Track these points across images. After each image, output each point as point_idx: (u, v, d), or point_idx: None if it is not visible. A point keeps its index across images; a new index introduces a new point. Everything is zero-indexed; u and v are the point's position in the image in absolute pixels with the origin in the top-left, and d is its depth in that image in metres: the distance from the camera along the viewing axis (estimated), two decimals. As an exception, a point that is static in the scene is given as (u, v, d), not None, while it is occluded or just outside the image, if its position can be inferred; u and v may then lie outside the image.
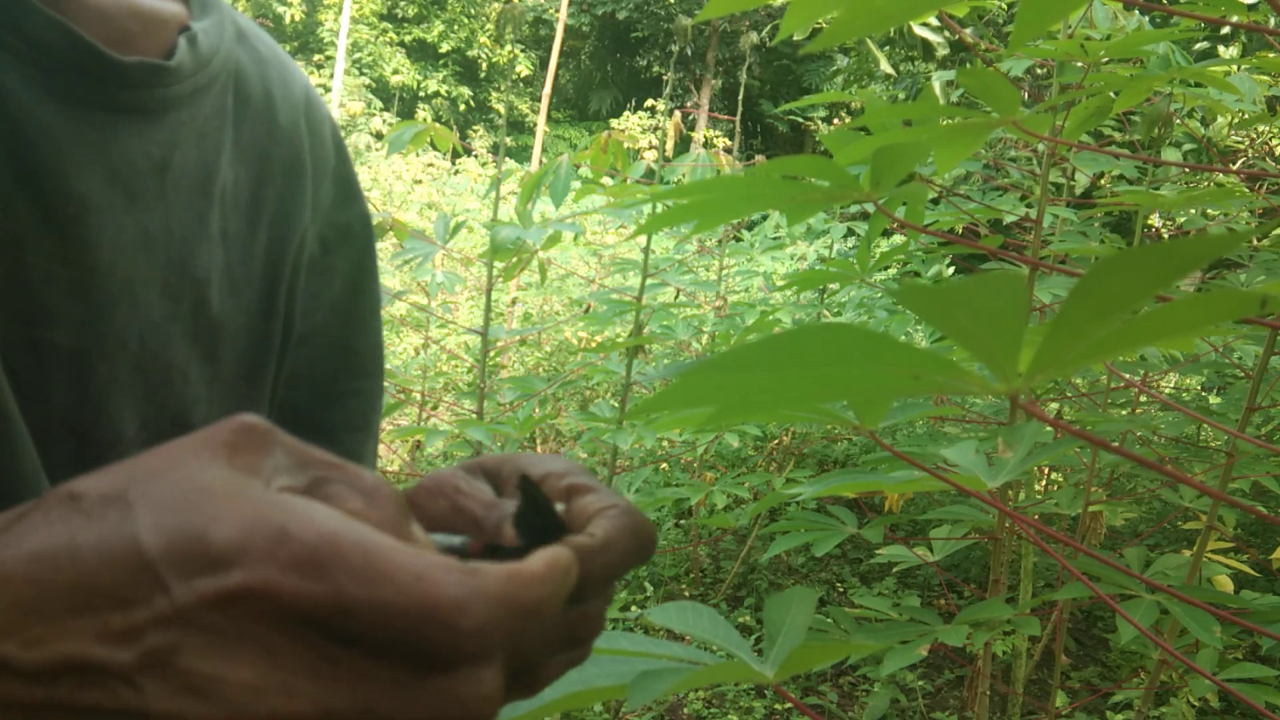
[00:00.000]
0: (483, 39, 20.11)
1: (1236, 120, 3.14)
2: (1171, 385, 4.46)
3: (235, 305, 0.54)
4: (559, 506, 0.36)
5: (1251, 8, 2.09)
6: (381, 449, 3.28)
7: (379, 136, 11.56)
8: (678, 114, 4.70)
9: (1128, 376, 1.48)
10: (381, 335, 0.67)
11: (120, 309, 0.47)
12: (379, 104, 15.45)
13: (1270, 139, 3.78)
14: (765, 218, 4.17)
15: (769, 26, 14.58)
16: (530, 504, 0.34)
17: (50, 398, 0.45)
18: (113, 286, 0.46)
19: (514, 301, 5.04)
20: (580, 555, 0.32)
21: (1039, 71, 3.64)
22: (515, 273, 2.10)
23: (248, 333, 0.55)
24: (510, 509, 0.36)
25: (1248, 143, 3.73)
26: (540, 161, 5.52)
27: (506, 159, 2.35)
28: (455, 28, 19.92)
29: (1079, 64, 1.30)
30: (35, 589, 0.26)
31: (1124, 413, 2.23)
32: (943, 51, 4.96)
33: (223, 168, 0.52)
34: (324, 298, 0.61)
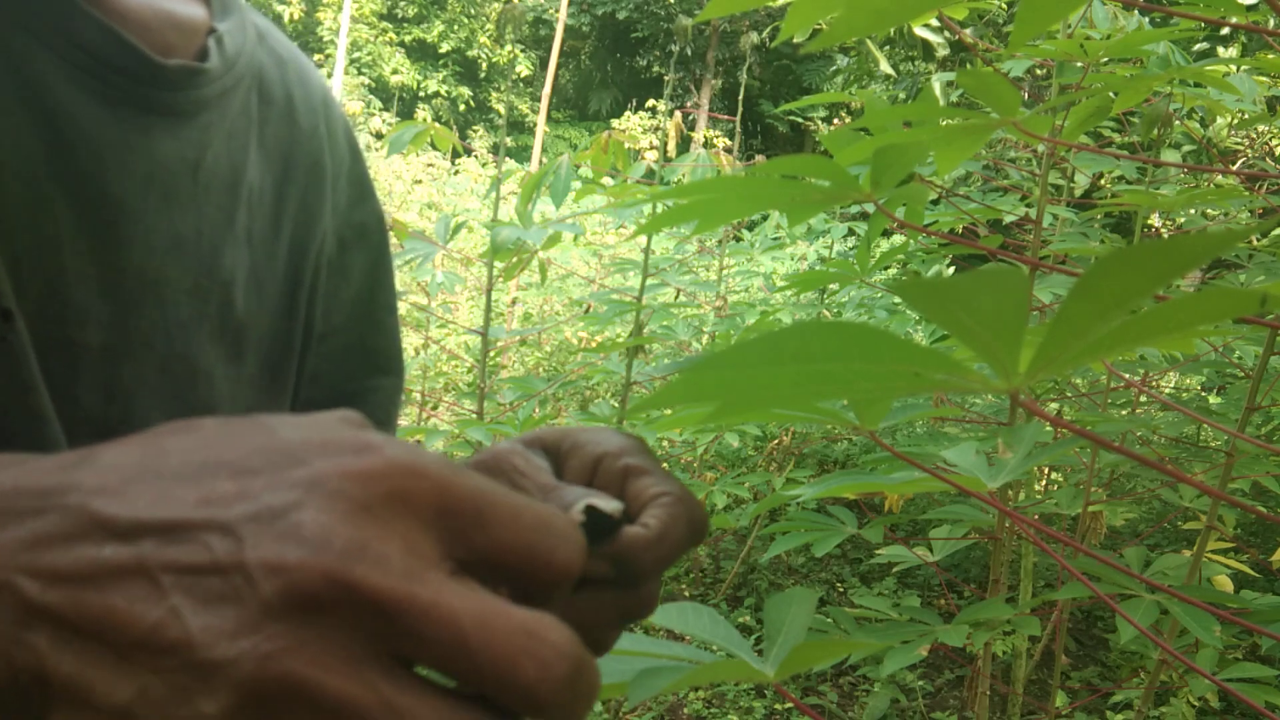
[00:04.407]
0: (483, 39, 20.11)
1: (1236, 121, 3.14)
2: (1171, 385, 4.45)
3: (260, 306, 0.54)
4: (613, 505, 0.36)
5: (1251, 8, 2.09)
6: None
7: (379, 136, 11.55)
8: (678, 114, 4.70)
9: (1128, 376, 1.48)
10: (399, 333, 0.67)
11: (147, 309, 0.47)
12: (379, 104, 15.45)
13: (1270, 139, 3.78)
14: (765, 218, 4.17)
15: (769, 27, 14.58)
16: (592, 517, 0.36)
17: (78, 398, 0.45)
18: (140, 287, 0.47)
19: (514, 301, 5.04)
20: (636, 547, 0.33)
21: (1039, 72, 3.64)
22: (515, 273, 2.10)
23: (271, 333, 0.55)
24: (568, 494, 0.37)
25: (1247, 143, 3.73)
26: (540, 161, 5.52)
27: (506, 159, 2.35)
28: (455, 28, 19.92)
29: (1079, 64, 1.30)
30: (141, 464, 0.26)
31: (1124, 413, 2.23)
32: (943, 52, 4.97)
33: (249, 168, 0.53)
34: (342, 297, 0.62)
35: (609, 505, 0.35)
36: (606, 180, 2.17)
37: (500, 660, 0.24)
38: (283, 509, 0.25)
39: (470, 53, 20.11)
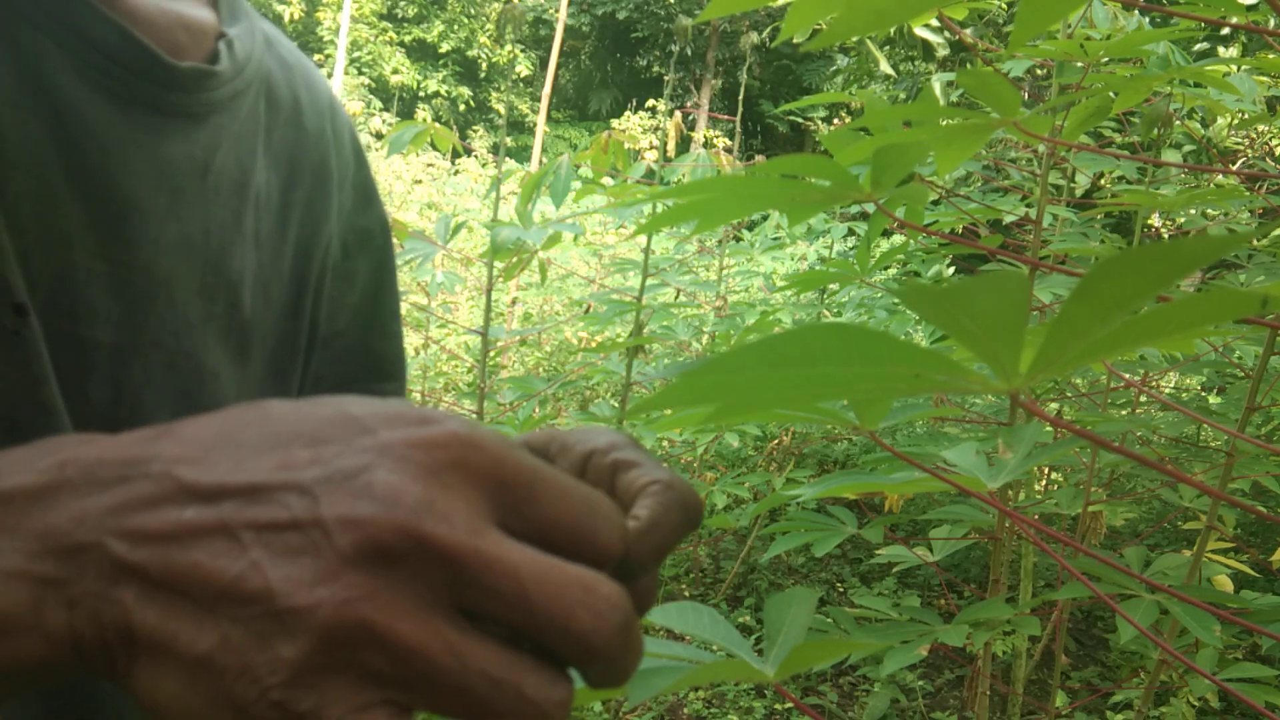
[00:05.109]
0: (483, 39, 20.10)
1: (1236, 121, 3.14)
2: (1171, 385, 4.45)
3: (266, 307, 0.54)
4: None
5: (1251, 8, 2.09)
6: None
7: (379, 136, 11.55)
8: (678, 114, 4.70)
9: (1128, 376, 1.48)
10: (402, 338, 0.68)
11: (156, 308, 0.47)
12: (379, 104, 15.45)
13: (1270, 139, 3.78)
14: (765, 218, 4.17)
15: (769, 27, 14.58)
16: None
17: (88, 394, 0.45)
18: (150, 285, 0.47)
19: (514, 301, 5.04)
20: (629, 539, 0.34)
21: (1039, 72, 3.65)
22: (515, 273, 2.10)
23: (276, 334, 0.56)
24: None
25: (1247, 143, 3.73)
26: (540, 161, 5.52)
27: (506, 159, 2.35)
28: (455, 28, 19.92)
29: (1079, 64, 1.30)
30: (219, 435, 0.28)
31: (1124, 413, 2.23)
32: (943, 52, 4.97)
33: (257, 171, 0.53)
34: (346, 302, 0.62)
35: None
36: (606, 180, 2.16)
37: (557, 610, 0.26)
38: (355, 471, 0.26)
39: (470, 53, 20.11)
